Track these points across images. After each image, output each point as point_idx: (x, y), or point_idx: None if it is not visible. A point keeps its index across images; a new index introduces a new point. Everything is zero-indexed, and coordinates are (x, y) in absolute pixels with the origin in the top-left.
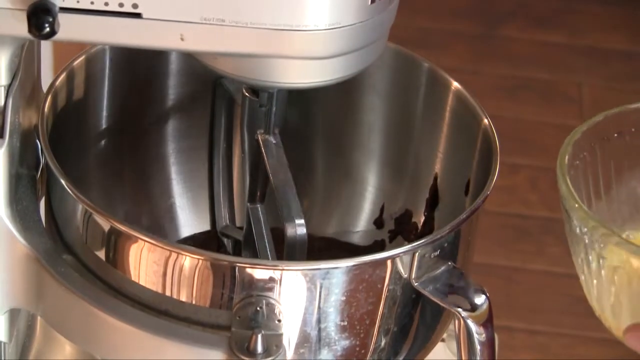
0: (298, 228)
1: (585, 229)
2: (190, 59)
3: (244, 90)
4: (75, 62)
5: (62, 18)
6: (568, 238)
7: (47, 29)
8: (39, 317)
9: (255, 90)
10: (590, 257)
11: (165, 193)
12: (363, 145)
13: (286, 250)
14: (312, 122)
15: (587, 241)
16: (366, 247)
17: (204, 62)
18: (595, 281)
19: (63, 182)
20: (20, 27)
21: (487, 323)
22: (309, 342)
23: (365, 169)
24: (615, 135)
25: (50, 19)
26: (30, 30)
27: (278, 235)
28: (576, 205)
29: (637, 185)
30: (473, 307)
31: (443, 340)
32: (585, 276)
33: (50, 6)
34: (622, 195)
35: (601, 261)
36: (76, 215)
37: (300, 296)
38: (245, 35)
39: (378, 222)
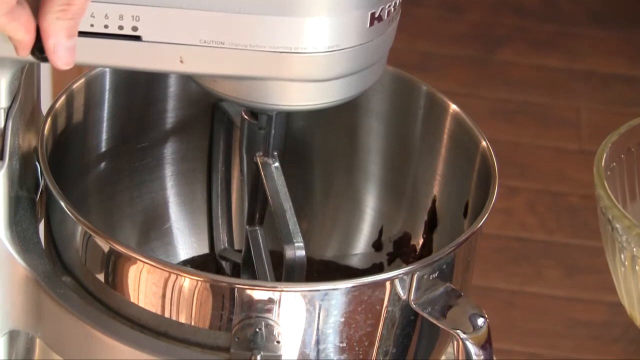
0: (297, 250)
1: (620, 229)
2: (189, 82)
3: (243, 113)
4: (75, 85)
5: None
6: (602, 238)
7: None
8: (38, 339)
9: (254, 113)
10: (623, 256)
11: (163, 216)
12: (362, 167)
13: (285, 273)
14: (311, 144)
15: (621, 241)
16: (365, 269)
17: (203, 85)
18: (627, 281)
19: (62, 204)
20: None
21: (486, 345)
22: None
23: (363, 191)
24: None
25: None
26: (33, 53)
27: (277, 258)
28: (612, 205)
29: None
30: (472, 329)
31: None
32: (617, 275)
33: None
34: None
35: (634, 261)
36: (75, 237)
37: (299, 317)
38: (244, 57)
39: (377, 245)
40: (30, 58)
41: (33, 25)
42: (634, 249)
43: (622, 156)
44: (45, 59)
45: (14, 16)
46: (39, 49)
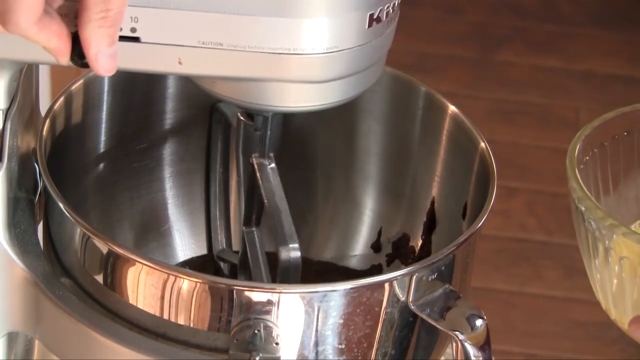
0: (292, 252)
1: (593, 221)
2: (187, 83)
3: (239, 115)
4: (74, 86)
5: None
6: (576, 232)
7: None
8: (37, 341)
9: (250, 114)
10: (597, 249)
11: (162, 217)
12: (360, 169)
13: (280, 274)
14: (310, 145)
15: (595, 233)
16: (364, 271)
17: (201, 86)
18: (601, 273)
19: (61, 205)
20: (22, 51)
21: (485, 346)
22: None
23: (362, 192)
24: (625, 133)
25: None
26: (72, 59)
27: (274, 259)
28: (585, 197)
29: None
30: (471, 330)
31: None
32: (592, 269)
33: None
34: (631, 192)
35: (608, 252)
36: (74, 238)
37: (298, 319)
38: (243, 59)
39: (375, 246)
40: (69, 63)
41: (65, 32)
42: (607, 241)
43: (596, 150)
44: (85, 65)
45: (43, 25)
46: (78, 55)
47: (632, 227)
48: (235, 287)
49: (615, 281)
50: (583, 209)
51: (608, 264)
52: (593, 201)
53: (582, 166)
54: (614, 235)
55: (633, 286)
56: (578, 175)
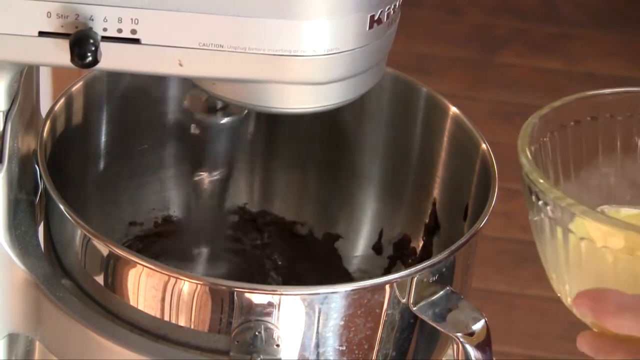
0: None
1: (550, 200)
2: (188, 84)
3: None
4: (74, 88)
5: (61, 44)
6: (529, 211)
7: (90, 58)
8: (37, 342)
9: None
10: (552, 228)
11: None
12: (361, 170)
13: None
14: (311, 147)
15: (549, 213)
16: (365, 271)
17: (202, 87)
18: (554, 251)
19: (62, 207)
20: (22, 53)
21: (486, 348)
22: None
23: (363, 194)
24: (589, 118)
25: (93, 48)
26: (72, 60)
27: None
28: (539, 178)
29: (610, 172)
30: (471, 332)
31: None
32: (543, 246)
33: (94, 35)
34: (593, 179)
35: (563, 232)
36: (75, 240)
37: (298, 321)
38: (243, 60)
39: (376, 248)
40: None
41: None
42: (562, 223)
43: (556, 133)
44: (86, 66)
45: None
46: (78, 56)
47: None
48: (236, 289)
49: (571, 259)
50: (537, 188)
51: (562, 244)
52: (548, 182)
53: (538, 146)
54: (570, 215)
55: (590, 266)
56: (529, 154)
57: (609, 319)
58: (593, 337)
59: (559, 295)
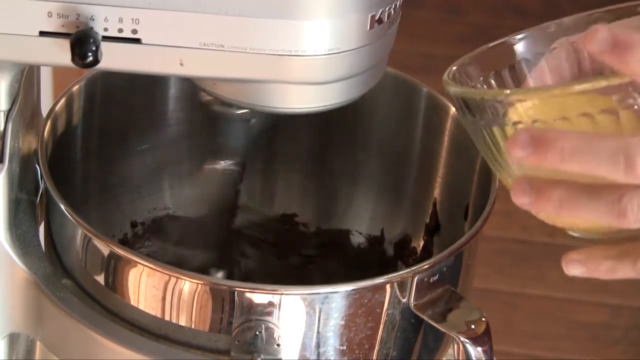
0: None
1: (483, 105)
2: (189, 84)
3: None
4: (75, 88)
5: (62, 43)
6: (469, 130)
7: (91, 58)
8: (38, 342)
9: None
10: (491, 133)
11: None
12: (362, 170)
13: None
14: (311, 147)
15: (489, 113)
16: (365, 268)
17: (202, 88)
18: (497, 152)
19: (62, 207)
20: (23, 53)
21: (487, 348)
22: None
23: (364, 193)
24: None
25: (94, 48)
26: (73, 60)
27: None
28: (467, 90)
29: None
30: (472, 332)
31: None
32: (487, 150)
33: (94, 35)
34: None
35: (503, 130)
36: (75, 239)
37: (299, 320)
38: (244, 60)
39: (377, 247)
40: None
41: None
42: (502, 110)
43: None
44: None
45: None
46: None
47: None
48: (237, 289)
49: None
50: (470, 96)
51: (504, 136)
52: (477, 89)
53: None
54: (509, 104)
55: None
56: (452, 79)
57: (558, 161)
58: (578, 252)
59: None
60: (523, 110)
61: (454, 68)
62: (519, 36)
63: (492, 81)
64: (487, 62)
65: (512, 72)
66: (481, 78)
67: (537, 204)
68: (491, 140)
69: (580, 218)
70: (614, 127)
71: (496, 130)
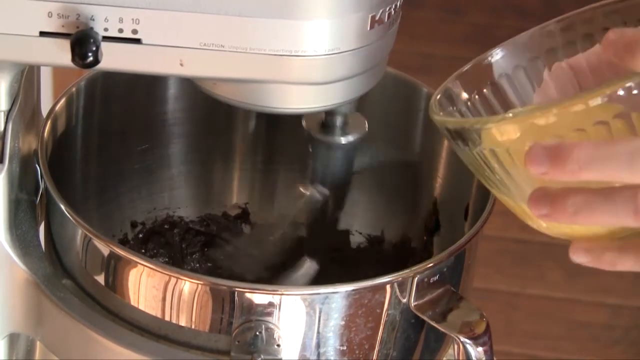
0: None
1: (466, 129)
2: (189, 84)
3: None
4: (75, 88)
5: (62, 44)
6: (460, 154)
7: (91, 58)
8: (38, 342)
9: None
10: (481, 157)
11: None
12: (362, 170)
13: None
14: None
15: (471, 146)
16: (365, 270)
17: (202, 88)
18: (491, 170)
19: (62, 207)
20: (23, 53)
21: (487, 348)
22: None
23: (364, 193)
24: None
25: (94, 48)
26: (73, 60)
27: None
28: (448, 118)
29: None
30: (472, 332)
31: None
32: (482, 172)
33: (94, 35)
34: None
35: (483, 155)
36: (76, 240)
37: (299, 321)
38: (244, 60)
39: (377, 248)
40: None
41: None
42: (478, 143)
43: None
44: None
45: None
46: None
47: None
48: (237, 289)
49: (500, 171)
50: (452, 131)
51: (498, 162)
52: (457, 117)
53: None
54: (483, 132)
55: (513, 169)
56: (436, 108)
57: (575, 172)
58: (587, 240)
59: (515, 211)
60: (499, 134)
61: (438, 96)
62: (495, 52)
63: (477, 104)
64: (469, 83)
65: (494, 90)
66: (466, 101)
67: (554, 215)
68: (484, 162)
69: (596, 223)
70: (609, 137)
71: (486, 152)
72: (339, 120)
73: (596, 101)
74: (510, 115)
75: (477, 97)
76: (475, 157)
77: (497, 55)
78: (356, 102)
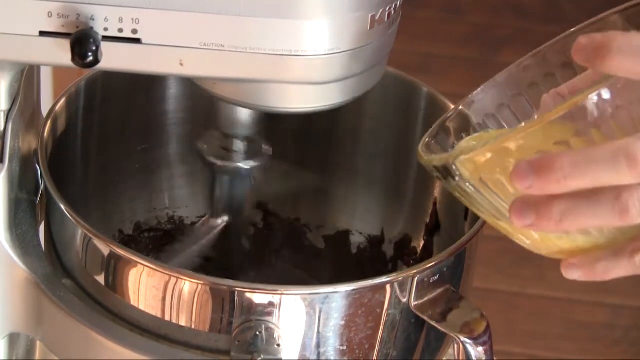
0: None
1: (441, 165)
2: (189, 84)
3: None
4: (75, 87)
5: (62, 43)
6: (451, 190)
7: (91, 58)
8: (38, 342)
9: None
10: (463, 186)
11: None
12: (362, 170)
13: None
14: (311, 146)
15: (458, 180)
16: (365, 270)
17: (202, 87)
18: (483, 202)
19: (62, 206)
20: (23, 53)
21: (487, 348)
22: None
23: (364, 193)
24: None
25: (94, 48)
26: (73, 60)
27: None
28: (431, 156)
29: None
30: (472, 332)
31: None
32: (475, 203)
33: (94, 35)
34: None
35: (463, 184)
36: (76, 239)
37: (299, 321)
38: (244, 60)
39: (377, 247)
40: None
41: None
42: (458, 170)
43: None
44: (87, 65)
45: None
46: (79, 55)
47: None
48: (237, 289)
49: (485, 196)
50: (438, 165)
51: (483, 187)
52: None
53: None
54: (459, 163)
55: (487, 191)
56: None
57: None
58: (575, 255)
59: (507, 233)
60: (474, 167)
61: (427, 140)
62: (476, 95)
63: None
64: (455, 127)
65: (482, 129)
66: (453, 144)
67: (540, 223)
68: (476, 190)
69: (582, 226)
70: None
71: (474, 182)
72: (240, 145)
73: (553, 121)
74: (482, 143)
75: (464, 137)
76: (467, 188)
77: (478, 97)
78: (356, 102)
